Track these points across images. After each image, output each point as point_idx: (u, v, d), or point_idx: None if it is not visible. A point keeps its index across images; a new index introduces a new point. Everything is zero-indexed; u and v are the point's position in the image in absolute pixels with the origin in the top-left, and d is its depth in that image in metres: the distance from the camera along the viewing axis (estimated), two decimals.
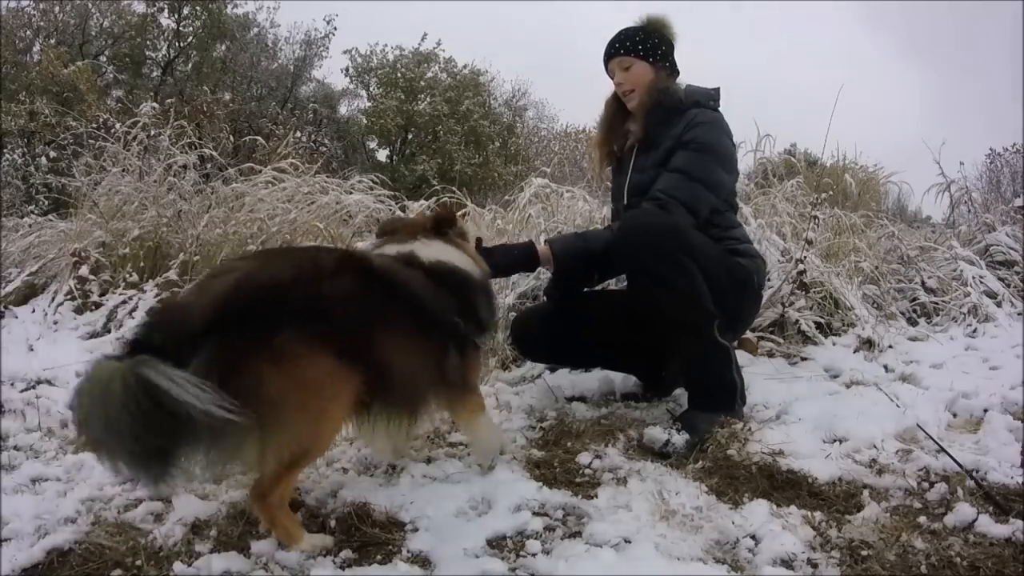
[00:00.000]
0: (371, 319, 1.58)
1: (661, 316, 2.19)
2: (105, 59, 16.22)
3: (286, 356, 1.41)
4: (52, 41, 14.61)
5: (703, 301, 2.16)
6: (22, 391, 2.56)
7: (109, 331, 3.34)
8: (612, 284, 2.98)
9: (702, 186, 2.33)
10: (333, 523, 1.62)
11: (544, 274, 3.34)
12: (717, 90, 2.54)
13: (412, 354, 1.68)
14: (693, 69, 2.58)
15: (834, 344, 3.31)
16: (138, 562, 1.46)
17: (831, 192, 5.23)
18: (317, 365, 1.46)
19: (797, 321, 3.30)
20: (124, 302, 3.49)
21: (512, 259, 2.38)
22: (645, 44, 2.51)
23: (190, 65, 17.36)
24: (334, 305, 1.52)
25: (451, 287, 1.82)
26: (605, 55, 2.59)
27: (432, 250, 1.89)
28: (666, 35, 2.56)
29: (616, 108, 2.62)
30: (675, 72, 2.56)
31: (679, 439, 2.05)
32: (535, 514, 1.66)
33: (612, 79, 2.59)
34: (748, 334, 3.09)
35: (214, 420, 1.26)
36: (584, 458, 1.99)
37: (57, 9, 15.73)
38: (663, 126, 2.44)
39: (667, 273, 2.12)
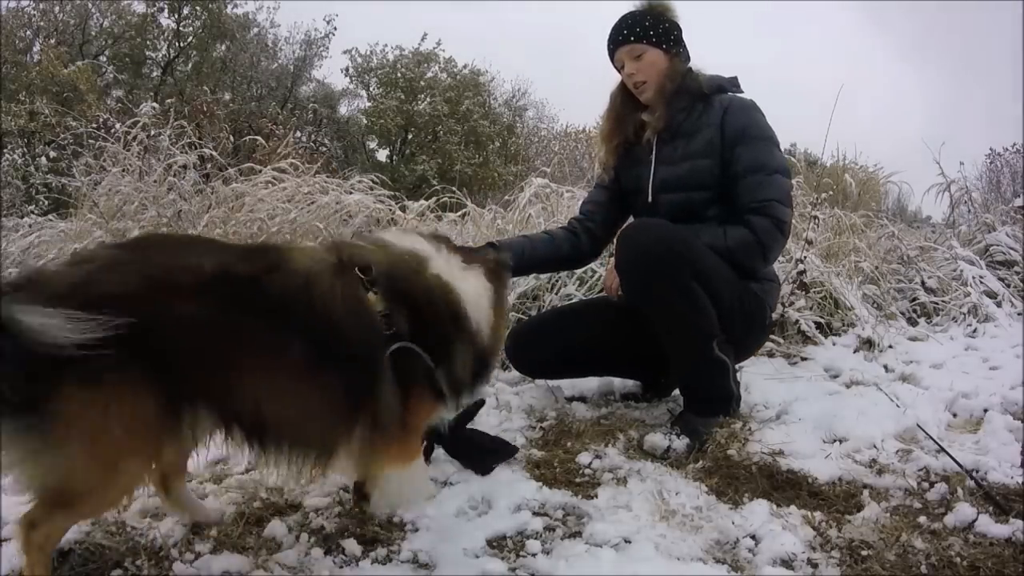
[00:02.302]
0: (234, 351, 1.30)
1: (659, 334, 2.17)
2: (105, 59, 16.22)
3: (102, 384, 1.19)
4: (52, 41, 14.60)
5: (704, 325, 2.10)
6: None
7: None
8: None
9: (780, 175, 2.24)
10: (333, 523, 1.62)
11: (542, 275, 3.34)
12: (736, 78, 2.42)
13: (303, 391, 1.39)
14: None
15: (834, 344, 3.32)
16: (138, 562, 1.46)
17: (831, 192, 5.23)
18: (129, 405, 1.22)
19: (797, 321, 3.30)
20: None
21: None
22: (656, 29, 2.33)
23: (190, 65, 17.37)
24: (181, 334, 1.26)
25: (424, 314, 1.51)
26: (611, 43, 2.40)
27: (455, 274, 1.59)
28: (673, 18, 2.38)
29: (624, 99, 2.46)
30: (688, 57, 2.39)
31: (679, 443, 2.04)
32: (535, 514, 1.66)
33: (619, 70, 2.42)
34: None
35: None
36: (584, 458, 1.99)
37: (57, 9, 15.73)
38: (687, 113, 2.31)
39: (667, 298, 2.07)
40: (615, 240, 2.27)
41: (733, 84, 2.39)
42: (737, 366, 2.32)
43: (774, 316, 3.26)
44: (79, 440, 1.21)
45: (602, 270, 3.32)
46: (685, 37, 2.40)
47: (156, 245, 1.45)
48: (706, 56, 2.41)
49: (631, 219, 2.56)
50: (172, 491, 1.57)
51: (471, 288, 1.60)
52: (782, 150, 2.35)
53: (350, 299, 1.43)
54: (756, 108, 2.32)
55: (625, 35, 2.34)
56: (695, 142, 2.30)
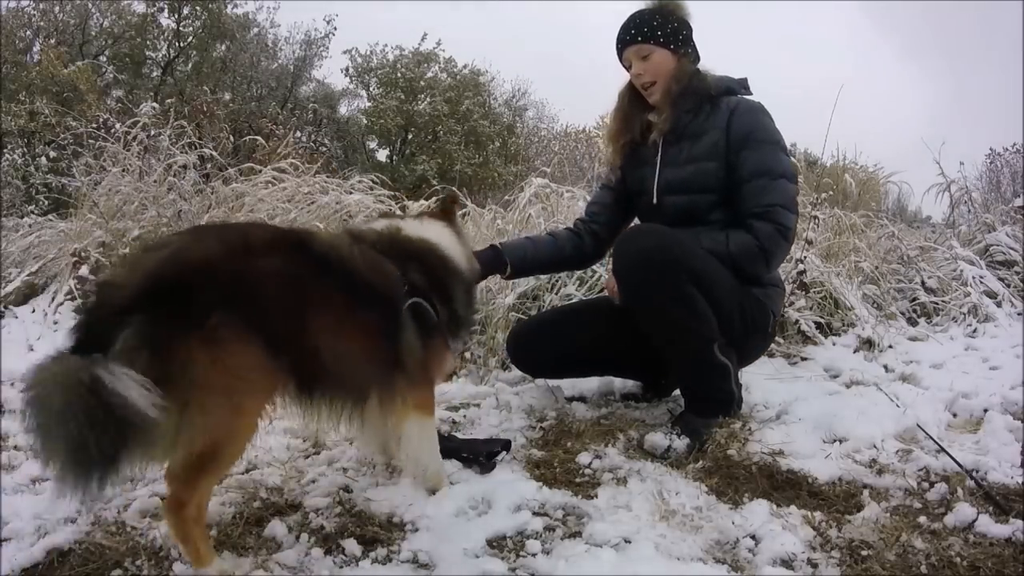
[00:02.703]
0: (302, 299, 1.49)
1: (658, 339, 2.16)
2: (105, 59, 16.21)
3: (214, 340, 1.34)
4: (52, 41, 14.59)
5: (703, 330, 2.09)
6: (22, 391, 2.55)
7: None
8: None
9: (786, 180, 2.22)
10: (333, 523, 1.62)
11: (543, 275, 3.34)
12: (745, 79, 2.38)
13: (350, 335, 1.56)
14: None
15: (834, 344, 3.32)
16: (138, 562, 1.46)
17: (831, 192, 5.23)
18: (243, 354, 1.38)
19: (797, 321, 3.30)
20: None
21: (479, 265, 2.32)
22: (664, 29, 2.29)
23: (190, 65, 17.36)
24: (263, 284, 1.44)
25: (425, 265, 1.74)
26: (619, 42, 2.36)
27: (421, 228, 1.84)
28: (683, 17, 2.34)
29: (632, 98, 2.42)
30: (697, 58, 2.36)
31: (680, 443, 2.04)
32: (535, 514, 1.66)
33: (627, 69, 2.38)
34: None
35: (147, 419, 1.19)
36: (584, 458, 1.99)
37: (57, 9, 15.73)
38: (693, 114, 2.29)
39: (665, 304, 2.06)
40: (614, 245, 2.26)
41: (742, 85, 2.35)
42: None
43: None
44: (216, 396, 1.34)
45: (603, 270, 3.32)
46: (695, 36, 2.36)
47: (216, 227, 1.76)
48: (706, 56, 2.40)
49: (635, 220, 2.56)
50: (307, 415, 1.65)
51: (439, 234, 1.86)
52: (788, 154, 2.32)
53: (370, 259, 1.64)
54: (763, 111, 2.29)
55: (633, 35, 2.31)
56: (700, 144, 2.27)
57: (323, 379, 1.53)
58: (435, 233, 1.85)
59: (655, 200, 2.35)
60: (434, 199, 4.42)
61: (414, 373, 1.69)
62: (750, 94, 2.36)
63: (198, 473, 1.38)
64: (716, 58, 2.39)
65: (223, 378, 1.35)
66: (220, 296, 1.36)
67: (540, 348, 2.51)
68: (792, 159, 2.39)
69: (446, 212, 2.01)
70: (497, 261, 2.38)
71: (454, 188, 4.62)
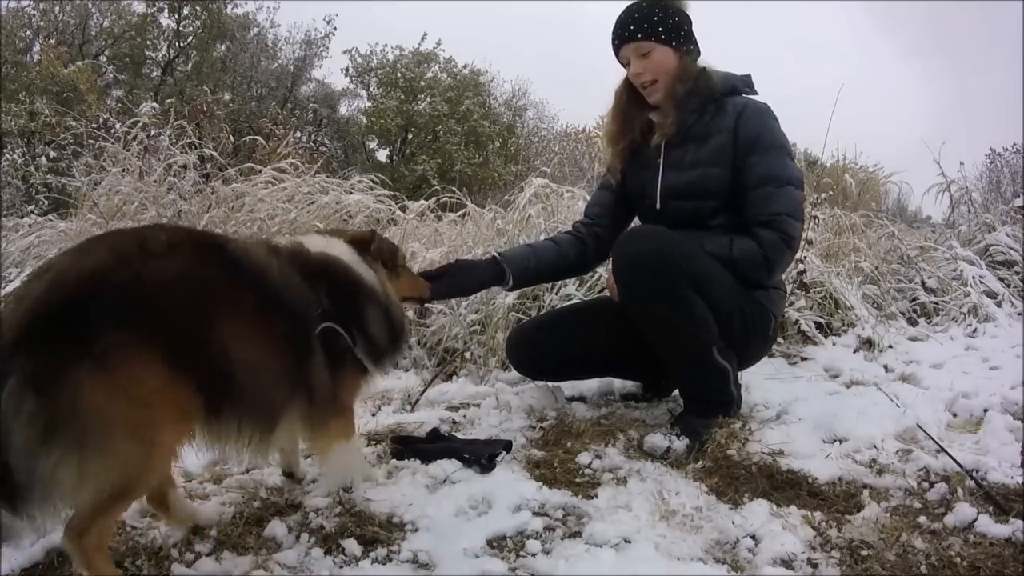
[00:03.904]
0: (206, 307, 1.33)
1: (658, 342, 2.16)
2: (105, 59, 16.22)
3: (107, 367, 1.17)
4: (52, 41, 14.61)
5: (702, 334, 2.08)
6: None
7: None
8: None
9: (792, 187, 2.17)
10: (333, 523, 1.62)
11: None
12: (749, 76, 2.31)
13: (259, 354, 1.41)
14: None
15: (834, 344, 3.32)
16: (138, 562, 1.46)
17: (831, 192, 5.23)
18: (144, 377, 1.22)
19: (797, 321, 3.30)
20: None
21: (475, 281, 2.32)
22: (665, 24, 2.18)
23: (190, 65, 17.38)
24: (159, 291, 1.27)
25: (329, 285, 1.60)
26: (616, 39, 2.26)
27: (327, 246, 1.71)
28: (683, 11, 2.24)
29: (630, 97, 2.34)
30: (698, 54, 2.28)
31: (679, 444, 2.04)
32: (535, 514, 1.66)
33: (625, 67, 2.29)
34: None
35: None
36: (584, 458, 1.99)
37: (57, 9, 15.74)
38: (697, 115, 2.22)
39: (664, 308, 2.04)
40: (614, 246, 2.22)
41: (746, 84, 2.30)
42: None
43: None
44: (118, 433, 1.20)
45: (603, 270, 3.32)
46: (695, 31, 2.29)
47: (110, 234, 1.52)
48: (707, 57, 2.37)
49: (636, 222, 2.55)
50: (167, 501, 1.56)
51: (345, 253, 1.73)
52: (793, 157, 2.29)
53: (285, 274, 1.52)
54: (770, 113, 2.23)
55: (632, 31, 2.20)
56: (706, 148, 2.21)
57: (231, 399, 1.38)
58: (341, 252, 1.72)
59: (659, 205, 2.29)
60: (433, 199, 4.42)
61: (325, 401, 1.58)
62: (755, 93, 2.31)
63: (110, 509, 1.26)
64: (717, 58, 2.34)
65: (124, 410, 1.19)
66: (110, 313, 1.20)
67: (540, 351, 2.49)
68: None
69: (359, 241, 1.80)
70: (497, 273, 2.31)
71: (454, 188, 4.63)
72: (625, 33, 2.23)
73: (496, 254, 2.38)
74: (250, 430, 1.45)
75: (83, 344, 1.17)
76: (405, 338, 1.85)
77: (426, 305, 3.30)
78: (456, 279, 2.26)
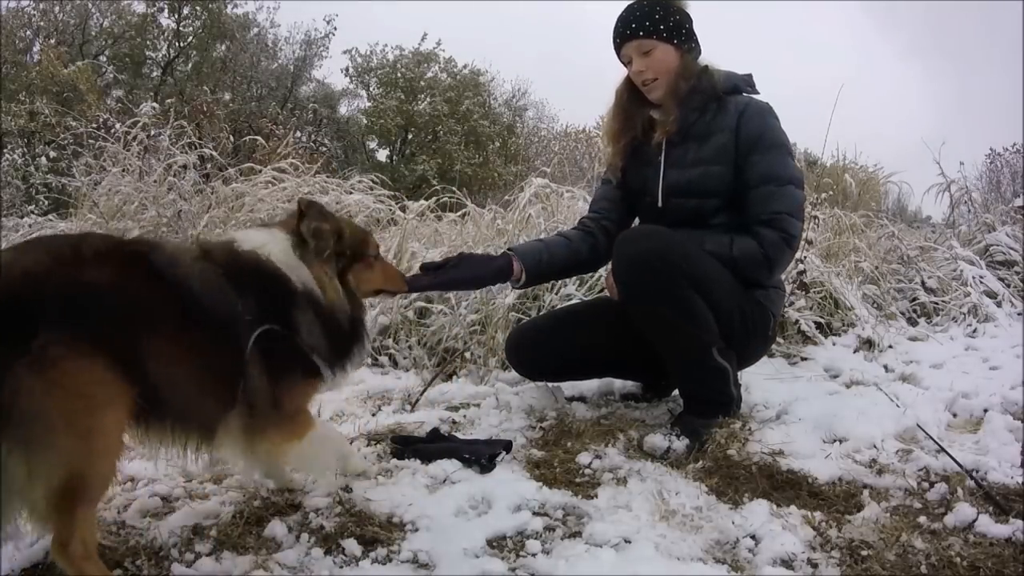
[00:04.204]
0: (137, 314, 1.34)
1: (658, 342, 2.15)
2: (105, 59, 16.23)
3: (45, 362, 1.20)
4: (52, 41, 14.61)
5: (702, 334, 2.07)
6: None
7: None
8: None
9: (793, 187, 2.17)
10: (333, 523, 1.62)
11: None
12: (750, 75, 2.32)
13: (182, 365, 1.41)
14: None
15: (834, 344, 3.32)
16: (138, 562, 1.46)
17: (831, 192, 5.23)
18: (82, 371, 1.25)
19: (797, 321, 3.30)
20: None
21: (483, 272, 2.22)
22: (667, 23, 2.18)
23: (190, 65, 17.39)
24: (96, 296, 1.29)
25: (255, 290, 1.51)
26: (617, 36, 2.25)
27: (257, 241, 1.59)
28: (684, 9, 2.24)
29: (631, 95, 2.33)
30: (699, 52, 2.28)
31: (679, 444, 2.04)
32: (535, 514, 1.66)
33: (626, 65, 2.28)
34: None
35: None
36: (584, 458, 1.99)
37: (57, 9, 15.75)
38: (699, 113, 2.22)
39: (663, 308, 2.04)
40: (614, 246, 2.20)
41: (747, 83, 2.30)
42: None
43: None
44: (59, 424, 1.22)
45: (602, 270, 3.32)
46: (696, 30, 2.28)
47: (47, 238, 1.52)
48: (707, 57, 2.36)
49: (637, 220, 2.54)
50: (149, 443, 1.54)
51: (280, 246, 1.60)
52: (794, 157, 2.29)
53: (208, 279, 1.47)
54: (772, 113, 2.23)
55: (633, 29, 2.20)
56: (708, 146, 2.21)
57: (159, 410, 1.39)
58: (274, 248, 1.59)
59: (660, 203, 2.29)
60: (433, 199, 4.42)
61: (266, 408, 1.53)
62: (756, 92, 2.31)
63: (70, 507, 1.26)
64: (717, 58, 2.34)
65: (63, 402, 1.22)
66: (47, 312, 1.22)
67: (540, 352, 2.49)
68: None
69: (292, 223, 1.66)
70: (504, 266, 2.24)
71: (454, 188, 4.63)
72: (627, 31, 2.23)
73: (508, 249, 2.33)
74: (185, 438, 1.48)
75: (21, 342, 1.18)
76: (355, 339, 1.71)
77: (429, 303, 3.31)
78: (459, 271, 2.15)
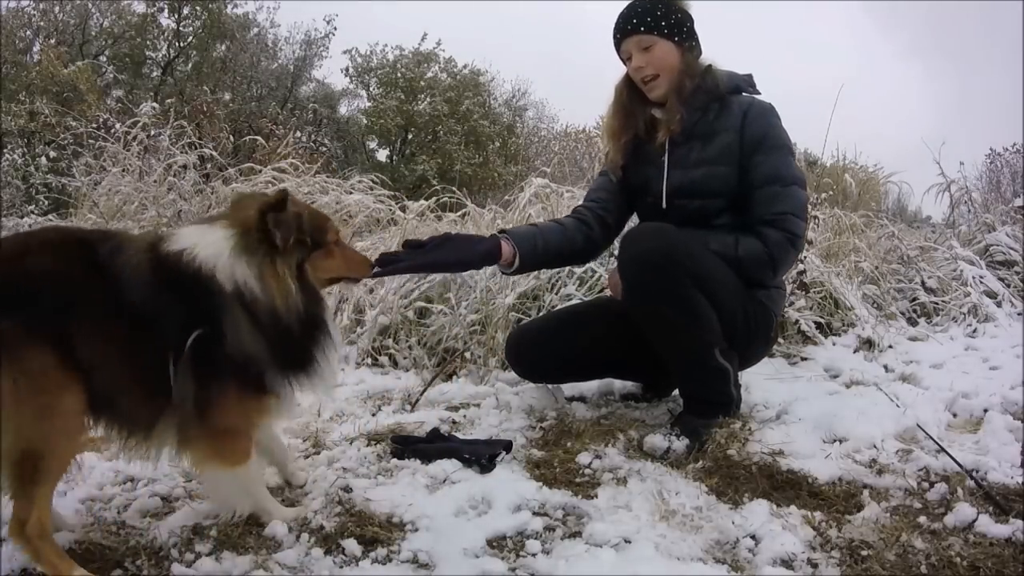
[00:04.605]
0: (72, 304, 1.36)
1: (659, 341, 2.15)
2: (105, 59, 16.22)
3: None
4: (52, 41, 14.60)
5: (705, 334, 2.07)
6: None
7: None
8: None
9: (797, 187, 2.17)
10: (333, 523, 1.62)
11: (544, 273, 3.33)
12: (751, 76, 2.31)
13: (120, 357, 1.40)
14: None
15: (834, 344, 3.32)
16: (138, 562, 1.46)
17: (831, 192, 5.24)
18: (34, 354, 1.30)
19: (797, 321, 3.30)
20: None
21: (469, 255, 2.10)
22: (668, 20, 2.18)
23: (190, 65, 17.36)
24: (42, 285, 1.34)
25: (180, 291, 1.44)
26: (617, 32, 2.25)
27: (192, 238, 1.50)
28: (685, 8, 2.24)
29: (631, 93, 2.31)
30: (700, 51, 2.27)
31: (679, 444, 2.04)
32: (535, 514, 1.66)
33: (626, 62, 2.27)
34: None
35: None
36: (584, 458, 1.99)
37: (57, 9, 15.74)
38: (702, 113, 2.22)
39: (666, 307, 2.03)
40: (619, 245, 2.18)
41: (749, 83, 2.30)
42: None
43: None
44: (15, 402, 1.27)
45: (602, 269, 3.32)
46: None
47: (10, 237, 1.56)
48: (708, 56, 2.36)
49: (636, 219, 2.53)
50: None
51: (211, 247, 1.47)
52: (796, 157, 2.29)
53: (141, 275, 1.43)
54: (775, 113, 2.24)
55: (634, 24, 2.19)
56: (712, 146, 2.20)
57: (99, 400, 1.40)
58: (208, 246, 1.48)
59: (664, 204, 2.27)
60: (433, 199, 4.42)
61: (190, 419, 1.46)
62: (758, 92, 2.31)
63: (28, 486, 1.31)
64: (717, 58, 2.34)
65: (18, 382, 1.27)
66: None
67: (541, 354, 2.47)
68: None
69: (244, 227, 1.52)
70: (492, 248, 2.14)
71: (454, 188, 4.63)
72: (627, 27, 2.22)
73: (500, 231, 2.26)
74: (127, 435, 1.47)
75: None
76: (312, 342, 1.56)
77: (428, 303, 3.30)
78: (443, 252, 2.03)
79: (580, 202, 2.58)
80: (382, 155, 19.67)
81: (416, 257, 2.01)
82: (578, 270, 3.36)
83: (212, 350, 1.43)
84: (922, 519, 1.61)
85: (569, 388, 2.65)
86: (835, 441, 2.07)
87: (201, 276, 1.44)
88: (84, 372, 1.35)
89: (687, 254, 2.04)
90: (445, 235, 2.12)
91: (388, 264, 1.95)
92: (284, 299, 1.49)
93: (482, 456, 1.93)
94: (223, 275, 1.45)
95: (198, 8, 16.54)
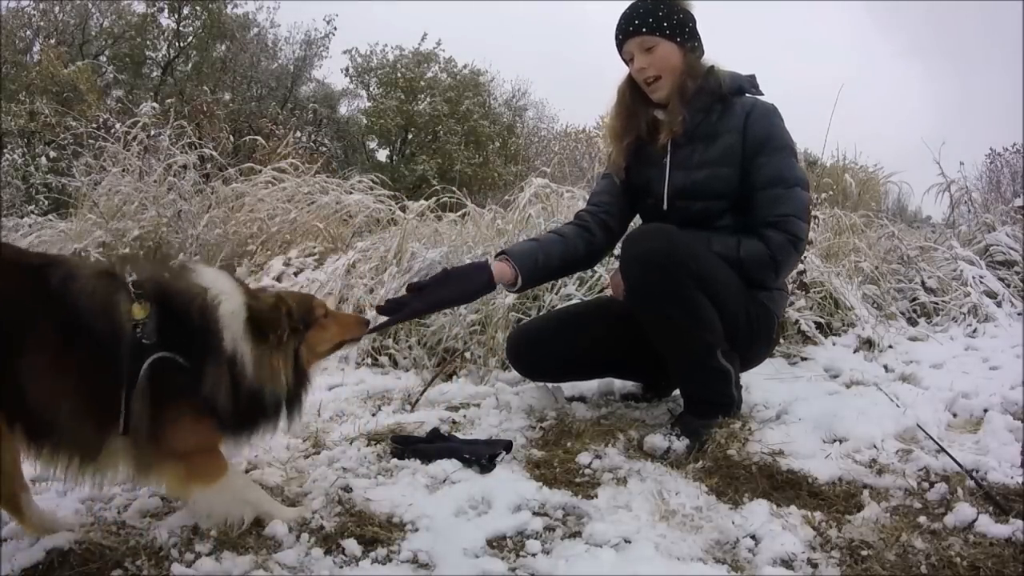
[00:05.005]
0: (12, 329, 1.33)
1: (661, 342, 2.14)
2: (105, 59, 16.23)
3: None
4: (52, 41, 14.61)
5: (706, 335, 2.06)
6: None
7: None
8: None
9: (799, 188, 2.17)
10: (333, 523, 1.62)
11: None
12: (754, 76, 2.30)
13: (66, 381, 1.37)
14: None
15: (834, 344, 3.32)
16: (138, 562, 1.46)
17: (831, 192, 5.23)
18: None
19: (797, 321, 3.30)
20: None
21: (470, 287, 2.14)
22: (670, 20, 2.17)
23: (190, 65, 17.38)
24: None
25: (176, 319, 1.44)
26: (619, 33, 2.24)
27: (217, 284, 1.52)
28: (687, 8, 2.23)
29: (633, 94, 2.30)
30: (703, 52, 2.26)
31: (679, 444, 2.04)
32: (535, 514, 1.66)
33: (628, 63, 2.26)
34: None
35: None
36: (584, 458, 1.99)
37: (57, 9, 15.75)
38: (704, 114, 2.21)
39: (669, 308, 2.02)
40: (622, 245, 2.18)
41: (752, 84, 2.29)
42: None
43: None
44: None
45: (602, 270, 3.32)
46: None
47: None
48: (709, 56, 2.35)
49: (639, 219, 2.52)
50: (22, 507, 1.54)
51: (233, 306, 1.50)
52: (799, 158, 2.28)
53: (102, 299, 1.41)
54: (777, 114, 2.23)
55: (636, 25, 2.18)
56: (715, 148, 2.20)
57: (40, 424, 1.38)
58: (231, 305, 1.51)
59: (666, 205, 2.26)
60: (433, 199, 4.42)
61: (144, 442, 1.43)
62: (761, 93, 2.30)
63: None
64: (719, 58, 2.34)
65: None
66: None
67: (541, 353, 2.48)
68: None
69: (256, 317, 1.54)
70: (490, 279, 2.16)
71: (454, 188, 4.63)
72: (629, 28, 2.21)
73: (502, 251, 2.28)
74: (68, 460, 1.43)
75: None
76: (271, 419, 1.58)
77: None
78: (447, 290, 2.09)
79: (581, 203, 2.57)
80: (382, 155, 19.69)
81: (418, 301, 2.06)
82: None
83: (176, 377, 1.42)
84: (922, 519, 1.61)
85: (569, 388, 2.65)
86: (835, 441, 2.06)
87: (210, 322, 1.46)
88: (12, 400, 1.32)
89: (690, 255, 2.04)
90: (444, 272, 2.16)
91: (392, 312, 2.01)
92: (273, 385, 1.54)
93: (482, 456, 1.93)
94: (228, 336, 1.48)
95: (198, 8, 16.55)
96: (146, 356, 1.40)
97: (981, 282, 4.21)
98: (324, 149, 16.70)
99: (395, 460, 1.98)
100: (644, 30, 2.18)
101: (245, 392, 1.50)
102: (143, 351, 1.40)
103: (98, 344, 1.39)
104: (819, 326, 3.37)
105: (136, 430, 1.41)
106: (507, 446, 2.03)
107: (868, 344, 3.30)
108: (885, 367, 3.02)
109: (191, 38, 17.14)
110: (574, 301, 3.16)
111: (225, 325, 1.48)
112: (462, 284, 2.13)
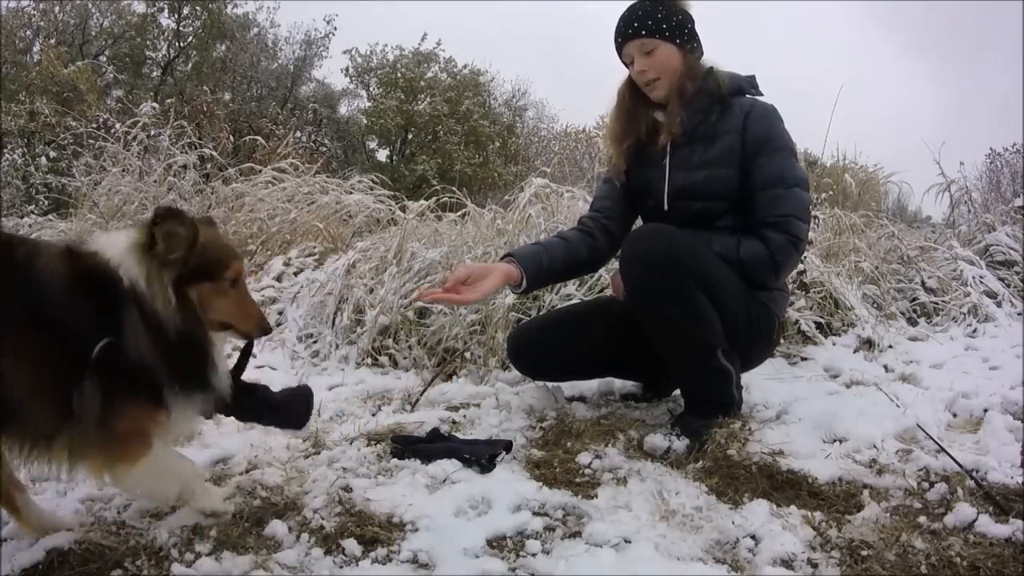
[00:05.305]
0: None
1: (661, 342, 2.14)
2: (105, 59, 16.24)
3: None
4: (52, 41, 14.62)
5: (707, 335, 2.06)
6: None
7: None
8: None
9: (799, 189, 2.17)
10: (333, 523, 1.62)
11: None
12: (754, 77, 2.30)
13: (26, 364, 1.35)
14: None
15: (834, 344, 3.32)
16: (138, 562, 1.46)
17: (831, 192, 5.23)
18: None
19: (797, 321, 3.30)
20: None
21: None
22: (669, 22, 2.17)
23: (190, 65, 17.39)
24: None
25: (91, 291, 1.40)
26: (619, 36, 2.24)
27: (106, 242, 1.48)
28: (686, 9, 2.23)
29: (633, 96, 2.31)
30: (702, 52, 2.27)
31: (679, 444, 2.04)
32: (535, 514, 1.66)
33: (628, 66, 2.27)
34: None
35: None
36: (584, 458, 1.99)
37: (57, 9, 15.76)
38: (703, 115, 2.22)
39: (670, 308, 2.02)
40: (622, 245, 2.19)
41: (752, 85, 2.30)
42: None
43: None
44: None
45: (603, 270, 3.32)
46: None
47: None
48: (708, 55, 2.36)
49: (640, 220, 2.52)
50: (18, 507, 1.53)
51: (124, 243, 1.46)
52: (799, 159, 2.28)
53: (56, 277, 1.39)
54: (777, 115, 2.24)
55: (636, 28, 2.19)
56: (714, 148, 2.20)
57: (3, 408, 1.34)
58: (113, 247, 1.46)
59: (666, 206, 2.27)
60: (433, 199, 4.42)
61: (89, 425, 1.40)
62: (760, 94, 2.31)
63: None
64: (716, 58, 2.33)
65: None
66: None
67: (541, 353, 2.48)
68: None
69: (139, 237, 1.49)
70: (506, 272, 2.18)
71: (454, 188, 4.63)
72: (629, 30, 2.21)
73: (507, 253, 2.30)
74: (30, 448, 1.40)
75: None
76: (193, 357, 1.52)
77: (428, 304, 3.30)
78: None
79: (581, 203, 2.58)
80: (382, 155, 19.71)
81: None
82: None
83: (116, 359, 1.39)
84: (922, 519, 1.60)
85: (569, 388, 2.65)
86: (835, 441, 2.06)
87: (109, 274, 1.43)
88: None
89: (690, 255, 2.04)
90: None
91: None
92: (163, 305, 1.46)
93: (482, 456, 1.93)
94: (123, 271, 1.44)
95: (198, 8, 16.57)
96: (92, 338, 1.37)
97: (981, 282, 4.21)
98: (324, 149, 16.72)
99: (395, 460, 1.98)
100: (643, 32, 2.19)
101: (154, 324, 1.44)
102: (89, 334, 1.38)
103: (55, 326, 1.37)
104: (819, 326, 3.37)
105: (85, 414, 1.38)
106: (507, 446, 2.03)
107: (868, 344, 3.30)
108: (885, 367, 3.02)
109: (191, 38, 17.16)
110: (574, 301, 3.16)
111: (119, 265, 1.44)
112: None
